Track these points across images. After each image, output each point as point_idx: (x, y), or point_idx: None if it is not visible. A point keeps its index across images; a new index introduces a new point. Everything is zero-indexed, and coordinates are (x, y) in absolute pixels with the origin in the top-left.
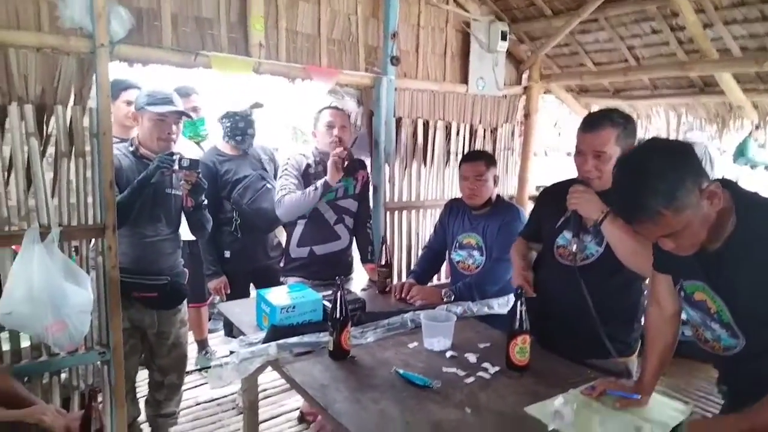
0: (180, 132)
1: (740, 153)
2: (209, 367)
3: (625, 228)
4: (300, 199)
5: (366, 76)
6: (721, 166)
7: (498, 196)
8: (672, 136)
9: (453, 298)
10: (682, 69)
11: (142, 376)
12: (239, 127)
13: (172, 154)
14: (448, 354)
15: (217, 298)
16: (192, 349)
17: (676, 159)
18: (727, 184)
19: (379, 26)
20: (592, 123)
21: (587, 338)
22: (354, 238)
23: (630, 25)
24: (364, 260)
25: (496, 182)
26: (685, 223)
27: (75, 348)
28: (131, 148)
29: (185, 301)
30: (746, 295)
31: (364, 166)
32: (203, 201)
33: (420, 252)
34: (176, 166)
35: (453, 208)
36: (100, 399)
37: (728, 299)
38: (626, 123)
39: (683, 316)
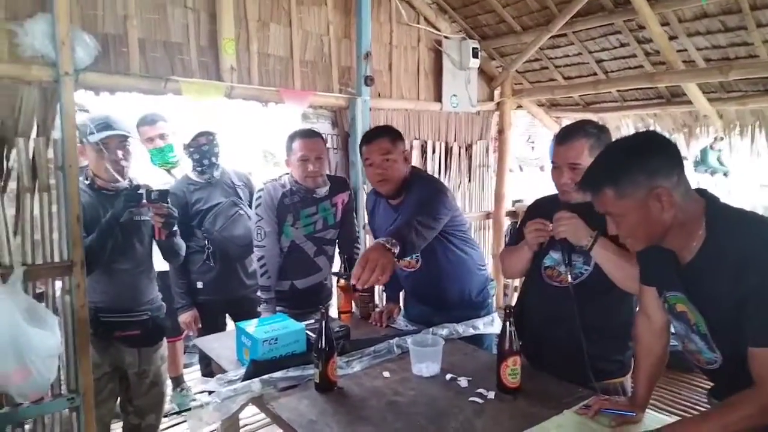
0: (131, 155)
1: (701, 161)
2: (188, 409)
3: (615, 250)
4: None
5: (340, 97)
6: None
7: (413, 170)
8: None
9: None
10: (650, 80)
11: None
12: (195, 158)
13: (138, 187)
14: (439, 379)
15: (191, 332)
16: (167, 386)
17: (639, 151)
18: (703, 194)
19: (352, 46)
20: (564, 135)
21: (581, 361)
22: (332, 264)
23: (598, 39)
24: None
25: (407, 160)
26: (624, 212)
27: (41, 396)
28: (87, 182)
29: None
30: (718, 308)
31: (346, 187)
32: (176, 229)
33: None
34: (144, 200)
35: (376, 202)
36: None
37: (704, 311)
38: (599, 133)
39: (672, 330)
